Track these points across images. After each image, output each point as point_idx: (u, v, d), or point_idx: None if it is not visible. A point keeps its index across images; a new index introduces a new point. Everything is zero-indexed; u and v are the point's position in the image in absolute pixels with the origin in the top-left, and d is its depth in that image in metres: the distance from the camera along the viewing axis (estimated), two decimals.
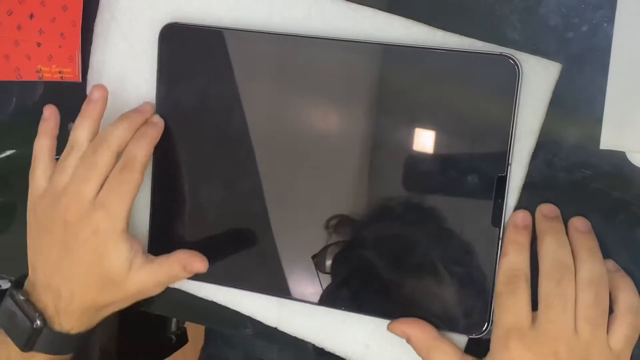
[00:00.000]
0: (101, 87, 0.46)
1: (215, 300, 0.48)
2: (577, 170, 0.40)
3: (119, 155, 0.44)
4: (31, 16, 0.48)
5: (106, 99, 0.46)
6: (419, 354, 0.41)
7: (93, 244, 0.43)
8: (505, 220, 0.40)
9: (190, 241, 0.46)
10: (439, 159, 0.41)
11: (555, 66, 0.39)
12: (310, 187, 0.44)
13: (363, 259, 0.43)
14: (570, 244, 0.39)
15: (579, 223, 0.40)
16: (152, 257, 0.45)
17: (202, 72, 0.45)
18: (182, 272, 0.45)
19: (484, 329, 0.40)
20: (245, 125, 0.44)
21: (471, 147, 0.40)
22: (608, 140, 0.39)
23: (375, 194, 0.42)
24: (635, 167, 0.39)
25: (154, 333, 0.81)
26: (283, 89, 0.43)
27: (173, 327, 0.83)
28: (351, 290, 0.43)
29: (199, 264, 0.45)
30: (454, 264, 0.41)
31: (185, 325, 0.85)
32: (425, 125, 0.41)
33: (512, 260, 0.39)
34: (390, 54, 0.41)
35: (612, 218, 0.40)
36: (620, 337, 0.37)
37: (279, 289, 0.45)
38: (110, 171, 0.43)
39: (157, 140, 0.45)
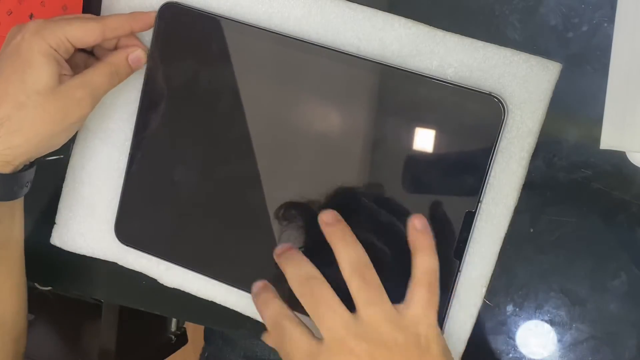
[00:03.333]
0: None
1: (215, 300, 0.48)
2: (577, 170, 0.40)
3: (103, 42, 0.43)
4: (31, 16, 0.48)
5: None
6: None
7: (19, 50, 0.41)
8: (468, 254, 0.41)
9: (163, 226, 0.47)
10: (413, 184, 0.41)
11: (555, 66, 0.39)
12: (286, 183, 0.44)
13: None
14: None
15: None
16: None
17: (193, 56, 0.45)
18: (125, 63, 0.44)
19: None
20: (229, 113, 0.44)
21: (447, 178, 0.40)
22: (608, 140, 0.39)
23: (343, 203, 0.42)
24: (635, 167, 0.39)
25: (154, 333, 0.82)
26: (271, 87, 0.43)
27: (173, 327, 0.84)
28: None
29: (140, 53, 0.44)
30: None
31: (185, 325, 0.85)
32: (405, 149, 0.41)
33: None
34: (382, 73, 0.41)
35: (612, 218, 0.40)
36: (415, 301, 0.38)
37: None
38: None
39: (139, 27, 0.44)
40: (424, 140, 0.40)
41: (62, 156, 0.50)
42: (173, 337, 0.83)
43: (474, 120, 0.39)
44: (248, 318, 0.47)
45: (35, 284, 0.57)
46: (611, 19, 0.38)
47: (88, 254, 0.51)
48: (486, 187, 0.40)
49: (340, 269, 0.38)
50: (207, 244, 0.46)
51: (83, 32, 0.42)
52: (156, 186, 0.47)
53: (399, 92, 0.41)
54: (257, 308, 0.41)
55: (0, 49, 0.43)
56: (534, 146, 0.40)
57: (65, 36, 0.41)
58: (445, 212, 0.40)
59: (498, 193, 0.41)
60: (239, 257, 0.46)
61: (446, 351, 0.38)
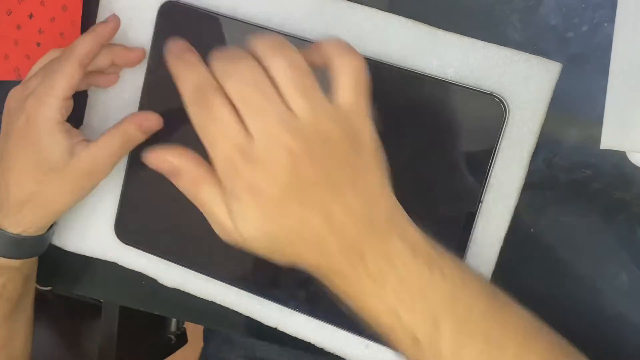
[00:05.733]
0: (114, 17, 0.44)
1: (215, 300, 0.48)
2: (577, 170, 0.40)
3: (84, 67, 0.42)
4: (31, 16, 0.48)
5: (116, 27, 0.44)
6: (187, 189, 0.34)
7: (26, 132, 0.42)
8: (468, 255, 0.41)
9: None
10: (414, 184, 0.41)
11: (555, 66, 0.39)
12: None
13: None
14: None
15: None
16: (96, 138, 0.43)
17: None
18: (138, 131, 0.43)
19: None
20: None
21: (447, 179, 0.40)
22: (608, 140, 0.39)
23: None
24: (635, 167, 0.39)
25: (154, 333, 0.82)
26: None
27: (173, 327, 0.84)
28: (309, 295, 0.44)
29: (153, 119, 0.43)
30: None
31: (185, 325, 0.85)
32: (406, 149, 0.41)
33: (187, 79, 0.33)
34: (383, 72, 0.41)
35: (612, 218, 0.40)
36: (344, 88, 0.32)
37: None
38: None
39: (107, 38, 0.43)
40: (425, 140, 0.40)
41: None
42: (173, 337, 0.82)
43: (477, 120, 0.39)
44: (248, 318, 0.47)
45: (35, 284, 0.57)
46: (611, 19, 0.38)
47: (88, 254, 0.50)
48: (487, 187, 0.40)
49: (275, 70, 0.32)
50: (207, 243, 0.46)
51: (67, 76, 0.41)
52: (156, 185, 0.47)
53: (400, 92, 0.41)
54: (174, 70, 0.34)
55: (4, 122, 0.44)
56: (534, 146, 0.40)
57: (58, 94, 0.41)
58: (445, 212, 0.40)
59: (498, 193, 0.41)
60: (239, 257, 0.46)
61: (378, 146, 0.34)
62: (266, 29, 0.43)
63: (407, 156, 0.41)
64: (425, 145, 0.40)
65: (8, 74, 0.50)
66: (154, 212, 0.48)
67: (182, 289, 0.48)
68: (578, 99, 0.39)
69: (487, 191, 0.40)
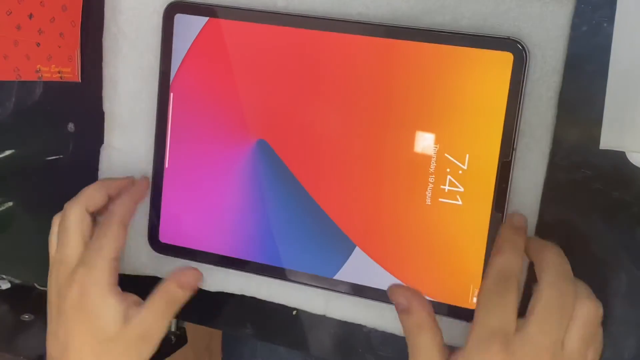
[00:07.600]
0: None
1: (226, 290, 0.47)
2: (577, 170, 0.40)
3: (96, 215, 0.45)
4: (30, 16, 0.48)
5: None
6: (407, 328, 0.38)
7: (81, 303, 0.42)
8: (508, 207, 0.40)
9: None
10: (445, 141, 0.40)
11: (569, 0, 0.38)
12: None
13: None
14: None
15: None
16: (143, 301, 0.44)
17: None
18: (179, 289, 0.44)
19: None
20: (246, 108, 0.44)
21: (478, 130, 0.39)
22: (608, 140, 0.39)
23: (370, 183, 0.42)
24: (635, 167, 0.39)
25: None
26: (283, 72, 0.43)
27: (173, 327, 0.83)
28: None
29: (190, 274, 0.44)
30: (451, 245, 0.41)
31: (185, 326, 0.85)
32: (434, 107, 0.40)
33: (506, 260, 0.36)
34: (398, 34, 0.40)
35: (612, 218, 0.40)
36: (578, 339, 0.35)
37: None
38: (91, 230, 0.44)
39: (140, 199, 0.46)
40: (452, 95, 0.40)
41: (62, 156, 0.50)
42: (172, 337, 0.82)
43: (497, 68, 0.38)
44: (248, 318, 0.47)
45: (35, 284, 0.57)
46: (611, 19, 0.38)
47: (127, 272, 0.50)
48: (518, 133, 0.39)
49: (545, 275, 0.36)
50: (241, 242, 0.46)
51: (114, 240, 0.43)
52: (186, 187, 0.47)
53: (417, 52, 0.40)
54: (504, 238, 0.38)
55: (54, 304, 0.44)
56: (561, 85, 0.39)
57: (108, 258, 0.42)
58: (480, 164, 0.39)
59: (531, 138, 0.40)
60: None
61: None
62: (270, 12, 0.42)
63: (436, 114, 0.40)
64: (452, 100, 0.39)
65: (8, 74, 0.50)
66: (188, 217, 0.47)
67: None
68: (578, 99, 0.39)
69: (519, 138, 0.39)
